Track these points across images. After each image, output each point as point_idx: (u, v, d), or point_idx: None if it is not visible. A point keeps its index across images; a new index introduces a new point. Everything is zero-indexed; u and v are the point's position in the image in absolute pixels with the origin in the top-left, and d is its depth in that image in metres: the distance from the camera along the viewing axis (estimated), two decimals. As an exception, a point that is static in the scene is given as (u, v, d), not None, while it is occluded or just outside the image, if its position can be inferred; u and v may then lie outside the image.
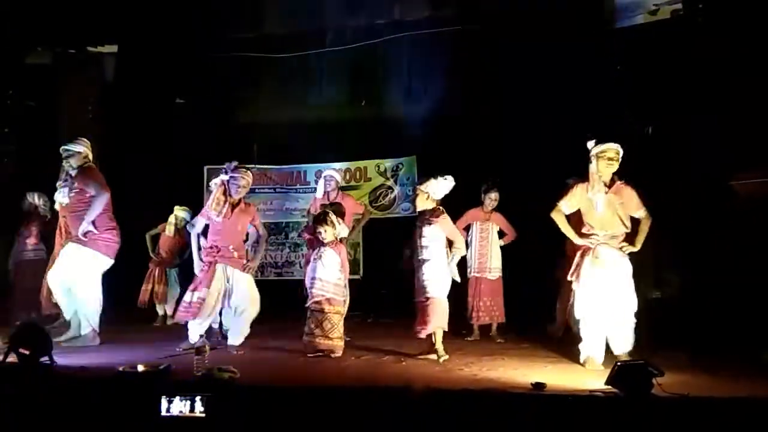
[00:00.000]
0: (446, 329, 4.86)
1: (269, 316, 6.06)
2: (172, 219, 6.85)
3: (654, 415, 3.32)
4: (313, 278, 4.95)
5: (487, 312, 5.88)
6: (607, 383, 3.56)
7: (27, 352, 4.11)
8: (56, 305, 5.50)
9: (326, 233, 4.99)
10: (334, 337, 4.89)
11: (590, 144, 4.51)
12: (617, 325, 4.40)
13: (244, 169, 5.18)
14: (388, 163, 7.87)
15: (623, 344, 4.40)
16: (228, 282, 5.04)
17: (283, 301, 6.59)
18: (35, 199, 6.38)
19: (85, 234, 5.08)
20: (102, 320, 5.36)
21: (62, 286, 5.20)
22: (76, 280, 5.17)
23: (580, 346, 4.53)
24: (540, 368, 4.40)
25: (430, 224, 4.81)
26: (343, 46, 7.41)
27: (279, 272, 8.05)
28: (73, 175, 5.18)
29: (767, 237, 4.90)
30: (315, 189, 7.67)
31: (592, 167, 4.48)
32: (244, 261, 5.10)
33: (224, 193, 5.07)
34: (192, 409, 3.35)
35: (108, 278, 5.41)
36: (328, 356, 4.83)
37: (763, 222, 4.99)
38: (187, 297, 4.98)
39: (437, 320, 4.76)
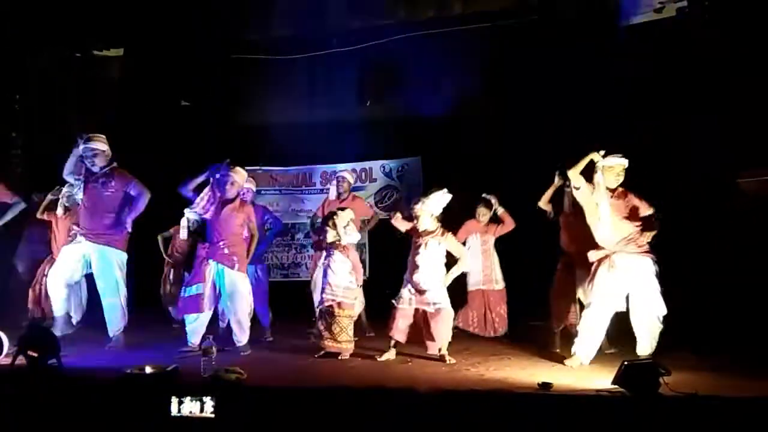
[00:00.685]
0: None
1: (275, 317, 6.09)
2: (184, 222, 6.86)
3: (661, 415, 3.31)
4: (324, 284, 5.01)
5: (491, 325, 5.89)
6: (614, 383, 3.56)
7: (35, 355, 4.14)
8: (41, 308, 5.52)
9: (327, 235, 5.04)
10: (343, 340, 4.90)
11: (598, 155, 4.49)
12: (644, 327, 4.39)
13: (236, 167, 5.15)
14: (393, 164, 7.88)
15: (648, 347, 4.39)
16: (218, 279, 5.04)
17: (290, 302, 6.58)
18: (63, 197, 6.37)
19: (115, 229, 5.11)
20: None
21: (66, 286, 5.20)
22: (108, 283, 5.17)
23: (575, 340, 4.53)
24: (547, 368, 4.40)
25: (438, 243, 4.84)
26: (348, 47, 7.41)
27: (285, 273, 8.07)
28: (99, 173, 5.15)
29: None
30: (321, 190, 7.74)
31: (598, 177, 4.48)
32: (236, 258, 5.05)
33: (210, 191, 5.06)
34: (202, 410, 3.37)
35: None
36: (335, 357, 4.84)
37: (769, 220, 4.98)
38: (184, 292, 5.01)
39: (447, 333, 4.80)
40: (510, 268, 6.09)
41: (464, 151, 7.01)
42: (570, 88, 6.29)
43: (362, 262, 7.67)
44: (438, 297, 4.80)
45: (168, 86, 7.90)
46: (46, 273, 5.59)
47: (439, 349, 4.80)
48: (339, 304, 4.94)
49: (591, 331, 4.46)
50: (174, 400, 3.40)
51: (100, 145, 5.13)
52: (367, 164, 7.95)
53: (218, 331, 5.65)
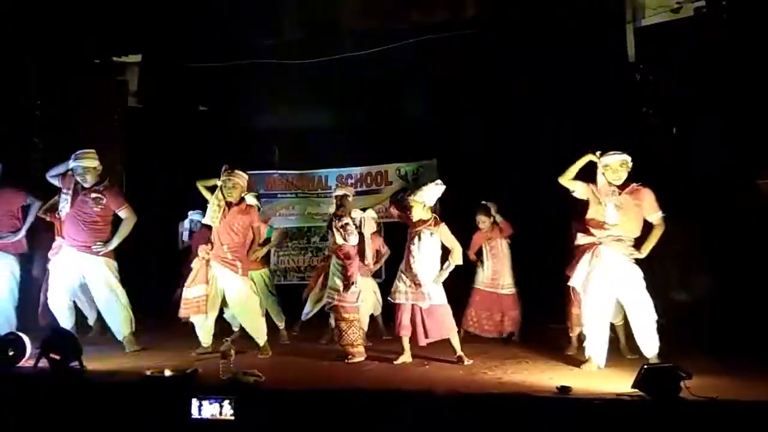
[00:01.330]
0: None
1: (292, 320, 6.12)
2: (186, 224, 6.93)
3: (682, 419, 3.28)
4: (329, 288, 5.06)
5: (495, 326, 5.87)
6: (633, 386, 3.53)
7: (57, 358, 4.20)
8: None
9: (332, 238, 5.11)
10: (345, 343, 4.93)
11: (594, 156, 4.49)
12: (639, 326, 4.37)
13: (236, 171, 5.18)
14: (408, 167, 7.88)
15: (650, 347, 4.36)
16: (220, 282, 5.07)
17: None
18: None
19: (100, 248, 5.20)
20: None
21: (69, 298, 5.28)
22: (109, 288, 5.25)
23: (585, 345, 4.51)
24: (565, 372, 4.37)
25: (431, 234, 4.81)
26: (362, 51, 7.43)
27: (302, 276, 8.09)
28: (91, 188, 5.23)
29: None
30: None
31: (600, 179, 4.49)
32: (238, 264, 5.07)
33: (219, 197, 5.11)
34: (221, 412, 3.40)
35: (131, 283, 5.51)
36: (351, 360, 4.86)
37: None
38: (186, 294, 5.02)
39: (447, 327, 4.80)
40: (524, 270, 6.05)
41: (480, 153, 6.98)
42: (590, 88, 6.25)
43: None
44: (433, 292, 4.77)
45: (185, 92, 7.99)
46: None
47: (455, 351, 4.78)
48: (335, 308, 4.98)
49: (596, 329, 4.43)
50: (194, 403, 3.43)
51: (90, 162, 5.21)
52: (382, 167, 7.95)
53: (235, 334, 5.70)
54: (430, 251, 4.81)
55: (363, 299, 5.28)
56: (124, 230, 5.29)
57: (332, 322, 5.25)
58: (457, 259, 4.81)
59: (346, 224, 5.05)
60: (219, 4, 7.25)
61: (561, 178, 4.52)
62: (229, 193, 5.09)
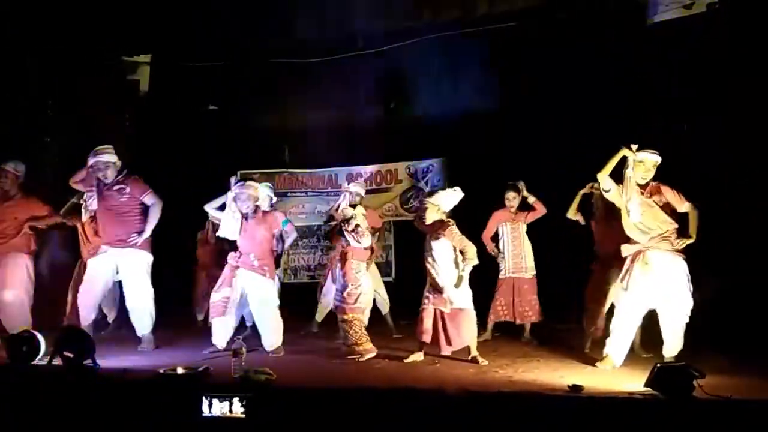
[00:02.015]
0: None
1: (302, 318, 6.14)
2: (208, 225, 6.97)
3: (695, 418, 3.26)
4: (337, 290, 5.11)
5: (520, 313, 5.82)
6: (646, 385, 3.51)
7: (71, 356, 4.24)
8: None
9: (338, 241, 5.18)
10: (350, 343, 4.94)
11: (630, 151, 4.43)
12: (671, 327, 4.35)
13: (246, 182, 5.22)
14: (418, 165, 7.88)
15: (674, 347, 4.35)
16: (246, 287, 5.13)
17: (316, 304, 6.62)
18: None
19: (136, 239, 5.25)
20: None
21: (100, 293, 5.34)
22: (133, 285, 5.29)
23: (607, 341, 4.48)
24: (577, 370, 4.36)
25: (437, 238, 4.79)
26: (373, 49, 7.43)
27: (312, 275, 8.12)
28: (113, 181, 5.27)
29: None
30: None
31: (629, 172, 4.42)
32: (266, 268, 5.14)
33: (234, 209, 5.15)
34: (231, 410, 3.42)
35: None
36: (361, 358, 4.87)
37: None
38: (213, 297, 5.13)
39: (469, 334, 4.78)
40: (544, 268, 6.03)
41: (489, 152, 6.97)
42: (601, 86, 6.22)
43: (388, 263, 7.76)
44: (455, 295, 4.75)
45: (195, 91, 8.02)
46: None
47: (470, 352, 4.78)
48: (352, 309, 4.99)
49: (623, 331, 4.41)
50: (205, 400, 3.46)
51: (109, 157, 5.25)
52: (392, 165, 7.96)
53: (247, 332, 5.72)
54: (444, 255, 4.79)
55: (366, 296, 5.27)
56: (153, 216, 5.33)
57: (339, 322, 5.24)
58: (471, 258, 4.72)
59: (357, 226, 5.06)
60: (228, 4, 7.28)
61: (599, 174, 4.45)
62: (244, 205, 5.13)
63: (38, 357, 4.43)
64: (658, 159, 4.43)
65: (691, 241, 4.38)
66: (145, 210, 5.35)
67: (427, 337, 4.82)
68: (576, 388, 3.62)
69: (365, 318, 5.30)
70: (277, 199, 6.23)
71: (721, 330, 4.84)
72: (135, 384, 4.01)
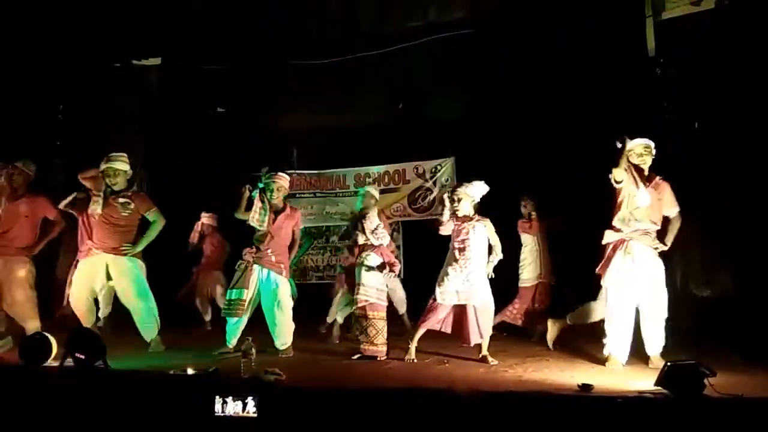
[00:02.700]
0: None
1: (312, 319, 6.15)
2: (197, 226, 7.02)
3: (706, 417, 3.23)
4: (357, 284, 5.01)
5: (530, 320, 5.85)
6: (656, 384, 3.49)
7: (82, 357, 4.26)
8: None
9: (358, 238, 5.10)
10: (379, 342, 4.92)
11: (618, 144, 4.47)
12: (650, 324, 4.34)
13: (278, 173, 5.24)
14: (426, 165, 7.89)
15: (655, 345, 4.34)
16: (262, 284, 5.15)
17: (325, 304, 6.63)
18: None
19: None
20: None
21: (90, 298, 5.34)
22: (136, 293, 5.32)
23: (605, 341, 4.47)
24: (586, 369, 4.34)
25: (475, 228, 4.76)
26: (379, 50, 7.43)
27: (321, 276, 8.15)
28: (119, 193, 5.30)
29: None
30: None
31: (624, 164, 4.44)
32: (282, 265, 5.17)
33: (262, 201, 5.16)
34: (245, 410, 3.43)
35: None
36: (372, 359, 4.86)
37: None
38: (229, 295, 5.15)
39: (488, 328, 4.77)
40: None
41: (498, 151, 6.96)
42: (609, 83, 6.19)
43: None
44: (482, 288, 4.73)
45: (203, 93, 8.06)
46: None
47: (480, 350, 4.77)
48: (372, 306, 4.95)
49: (619, 328, 4.39)
50: (218, 400, 3.47)
51: (121, 165, 5.27)
52: (400, 166, 7.98)
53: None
54: (480, 246, 4.76)
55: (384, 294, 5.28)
56: (152, 233, 5.37)
57: (357, 322, 5.21)
58: (499, 254, 4.81)
59: (377, 226, 5.06)
60: (235, 6, 7.31)
61: (615, 170, 4.44)
62: (274, 196, 5.15)
63: (50, 359, 4.47)
64: (647, 142, 4.45)
65: (665, 247, 4.40)
66: (144, 224, 5.38)
67: (429, 325, 4.79)
68: (586, 388, 3.61)
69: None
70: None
71: (733, 327, 4.81)
72: (145, 385, 4.04)
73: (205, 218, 7.06)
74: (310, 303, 6.38)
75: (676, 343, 4.43)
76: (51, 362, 4.44)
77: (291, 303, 5.25)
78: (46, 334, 4.60)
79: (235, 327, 5.14)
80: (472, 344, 4.78)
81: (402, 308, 6.05)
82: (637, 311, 4.43)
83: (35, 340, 4.50)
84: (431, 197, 7.85)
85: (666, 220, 4.47)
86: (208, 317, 7.01)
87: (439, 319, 4.81)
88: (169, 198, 6.38)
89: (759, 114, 5.23)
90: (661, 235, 4.44)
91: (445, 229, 4.85)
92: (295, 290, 6.00)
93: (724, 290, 5.11)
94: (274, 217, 5.16)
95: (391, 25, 7.29)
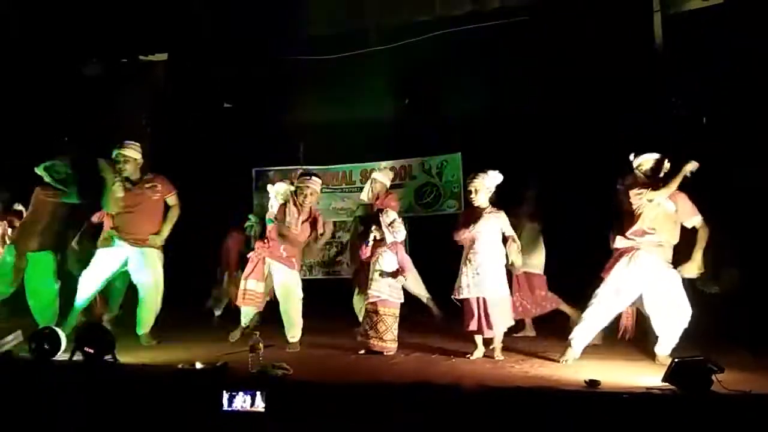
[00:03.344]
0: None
1: (318, 314, 6.16)
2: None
3: (714, 413, 3.23)
4: (370, 279, 5.01)
5: (535, 306, 5.81)
6: (664, 380, 3.48)
7: (91, 351, 4.30)
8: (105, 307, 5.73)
9: (374, 232, 5.07)
10: (388, 339, 4.91)
11: (631, 157, 4.49)
12: (667, 331, 4.28)
13: (310, 176, 5.29)
14: (433, 161, 7.88)
15: (666, 346, 4.30)
16: (273, 278, 5.24)
17: (331, 300, 6.66)
18: None
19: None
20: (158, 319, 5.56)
21: (98, 286, 5.38)
22: (152, 284, 5.36)
23: (575, 328, 4.46)
24: (593, 365, 4.32)
25: (485, 221, 4.72)
26: (385, 46, 7.43)
27: (327, 271, 8.16)
28: (141, 179, 5.33)
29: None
30: (361, 188, 7.76)
31: (637, 178, 4.47)
32: (294, 260, 5.22)
33: (295, 205, 5.20)
34: (253, 404, 3.45)
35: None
36: (379, 354, 4.87)
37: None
38: (247, 285, 5.23)
39: (505, 321, 4.75)
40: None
41: (505, 147, 6.94)
42: (616, 79, 6.17)
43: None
44: (497, 281, 4.68)
45: (210, 89, 8.08)
46: None
47: (492, 346, 4.75)
48: (384, 302, 4.94)
49: (591, 323, 4.39)
50: (225, 395, 3.49)
51: (131, 152, 5.28)
52: (406, 161, 7.97)
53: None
54: (491, 238, 4.72)
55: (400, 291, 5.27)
56: (172, 218, 5.41)
57: (367, 317, 5.20)
58: (518, 240, 4.80)
59: (394, 221, 5.05)
60: (242, 2, 7.32)
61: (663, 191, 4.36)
62: (307, 201, 5.22)
63: (59, 353, 4.51)
64: (654, 156, 4.43)
65: (692, 274, 4.28)
66: (164, 211, 5.41)
67: (474, 327, 4.74)
68: (593, 384, 3.61)
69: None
70: None
71: (740, 323, 4.79)
72: (154, 379, 4.07)
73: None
74: (316, 299, 6.37)
75: (683, 339, 4.41)
76: (60, 356, 4.49)
77: (300, 295, 5.28)
78: (55, 328, 4.65)
79: (250, 313, 5.28)
80: (484, 335, 4.74)
81: (423, 295, 6.01)
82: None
83: (44, 335, 4.53)
84: (437, 193, 7.84)
85: (692, 233, 4.37)
86: (218, 312, 7.04)
87: (475, 318, 4.74)
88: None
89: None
90: (685, 250, 4.34)
91: (460, 235, 4.80)
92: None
93: (731, 286, 5.08)
94: (301, 223, 5.21)
95: (398, 20, 7.29)
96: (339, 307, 6.34)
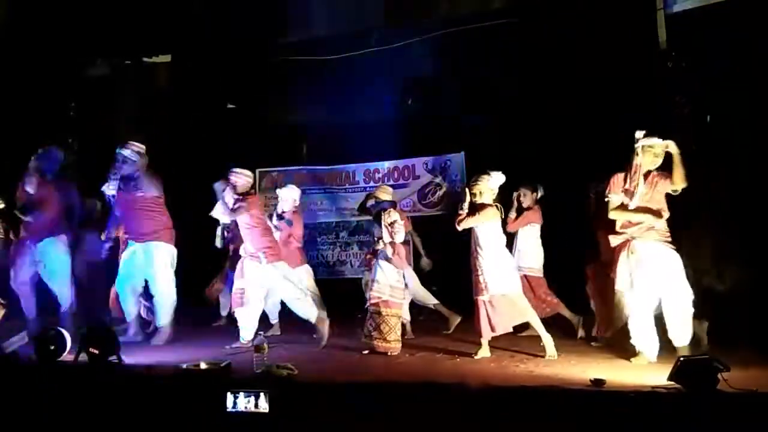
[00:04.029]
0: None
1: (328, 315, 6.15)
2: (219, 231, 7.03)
3: (719, 412, 3.22)
4: (372, 280, 5.02)
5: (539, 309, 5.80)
6: (669, 379, 3.47)
7: (96, 352, 4.31)
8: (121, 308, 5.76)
9: (375, 232, 5.12)
10: (392, 339, 4.91)
11: (639, 134, 4.35)
12: (673, 317, 4.26)
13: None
14: (436, 161, 7.87)
15: (681, 337, 4.26)
16: (264, 274, 5.25)
17: (335, 300, 6.64)
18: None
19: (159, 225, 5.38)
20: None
21: (133, 288, 5.42)
22: (155, 277, 5.39)
23: (632, 341, 4.42)
24: (597, 364, 4.32)
25: (498, 219, 4.74)
26: (389, 45, 7.43)
27: (330, 271, 8.15)
28: (128, 177, 5.37)
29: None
30: (364, 188, 7.77)
31: (637, 159, 4.33)
32: (260, 255, 5.18)
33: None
34: (256, 405, 3.45)
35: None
36: (383, 354, 4.87)
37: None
38: (230, 289, 5.37)
39: (507, 320, 4.73)
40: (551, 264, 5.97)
41: (507, 147, 6.93)
42: (619, 78, 6.15)
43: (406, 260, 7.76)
44: (504, 280, 4.68)
45: (213, 90, 8.09)
46: None
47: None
48: (386, 303, 4.95)
49: (642, 325, 4.35)
50: (229, 396, 3.49)
51: (130, 153, 5.33)
52: (409, 161, 7.96)
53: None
54: (490, 237, 4.71)
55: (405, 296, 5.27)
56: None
57: (370, 318, 5.20)
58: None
59: (394, 222, 5.05)
60: (245, 3, 7.34)
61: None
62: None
63: (64, 354, 4.52)
64: (667, 142, 4.30)
65: (678, 187, 4.23)
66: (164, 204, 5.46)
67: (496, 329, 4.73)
68: (598, 383, 3.60)
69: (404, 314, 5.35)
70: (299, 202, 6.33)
71: (747, 321, 4.77)
72: (159, 380, 4.07)
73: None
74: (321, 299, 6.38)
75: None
76: (65, 357, 4.50)
77: (290, 285, 5.30)
78: (61, 329, 4.66)
79: (246, 321, 5.22)
80: (495, 333, 4.74)
81: (429, 301, 6.02)
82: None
83: (50, 336, 4.55)
84: (441, 192, 7.83)
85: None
86: (225, 312, 7.04)
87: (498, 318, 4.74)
88: (179, 194, 6.43)
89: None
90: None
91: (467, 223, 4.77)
92: None
93: (737, 283, 5.06)
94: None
95: (401, 20, 7.29)
96: (343, 307, 6.34)
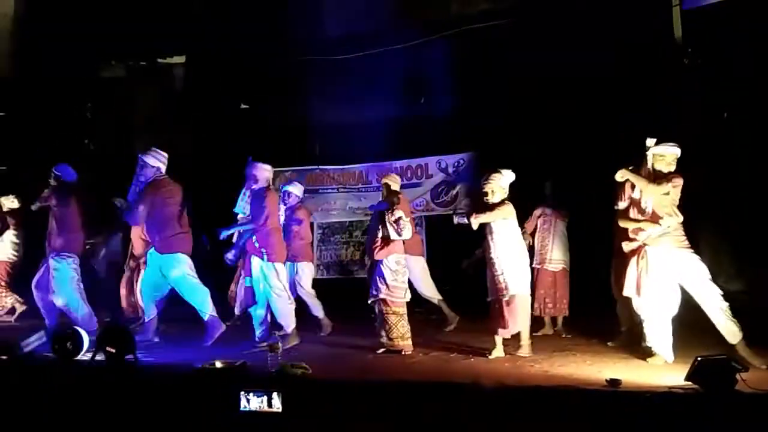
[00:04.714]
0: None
1: (335, 314, 6.17)
2: None
3: (737, 412, 3.18)
4: (372, 279, 5.05)
5: (552, 307, 5.76)
6: (687, 379, 3.44)
7: (113, 351, 4.35)
8: (134, 307, 5.80)
9: (379, 232, 5.08)
10: (394, 337, 4.90)
11: (650, 142, 4.35)
12: (714, 318, 4.18)
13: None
14: (449, 160, 7.85)
15: (730, 334, 4.14)
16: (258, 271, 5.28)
17: (348, 299, 6.66)
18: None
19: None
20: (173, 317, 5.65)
21: (154, 291, 5.46)
22: (189, 283, 5.38)
23: (649, 343, 4.37)
24: (612, 364, 4.29)
25: (503, 219, 4.70)
26: (401, 45, 7.43)
27: (344, 270, 8.17)
28: (151, 182, 5.38)
29: None
30: (377, 188, 7.76)
31: (648, 165, 4.34)
32: (263, 250, 5.19)
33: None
34: (270, 405, 3.46)
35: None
36: (396, 353, 4.87)
37: None
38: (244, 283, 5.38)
39: (522, 321, 4.69)
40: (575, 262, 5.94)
41: (521, 145, 6.90)
42: (634, 76, 6.10)
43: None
44: (512, 281, 4.64)
45: (227, 90, 8.14)
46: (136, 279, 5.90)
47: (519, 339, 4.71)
48: (384, 301, 4.94)
49: (657, 327, 4.31)
50: (242, 396, 3.51)
51: (150, 159, 5.34)
52: (422, 160, 7.95)
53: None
54: (504, 236, 4.68)
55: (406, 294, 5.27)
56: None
57: (377, 316, 5.21)
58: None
59: (399, 218, 5.03)
60: (258, 4, 7.37)
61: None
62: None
63: (81, 353, 4.56)
64: (677, 151, 4.30)
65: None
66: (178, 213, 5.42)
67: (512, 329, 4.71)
68: (614, 383, 3.57)
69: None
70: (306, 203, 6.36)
71: (765, 322, 4.71)
72: (174, 379, 4.10)
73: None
74: (333, 298, 6.39)
75: (708, 337, 4.35)
76: (82, 356, 4.55)
77: (278, 286, 5.21)
78: (78, 328, 4.71)
79: (257, 317, 5.28)
80: (499, 336, 4.72)
81: (435, 297, 6.00)
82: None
83: (67, 335, 4.59)
84: (454, 192, 7.82)
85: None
86: (238, 311, 7.07)
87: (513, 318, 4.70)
88: (193, 194, 6.47)
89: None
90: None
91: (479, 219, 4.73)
92: None
93: (754, 283, 5.01)
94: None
95: (414, 19, 7.29)
96: (356, 306, 6.34)
